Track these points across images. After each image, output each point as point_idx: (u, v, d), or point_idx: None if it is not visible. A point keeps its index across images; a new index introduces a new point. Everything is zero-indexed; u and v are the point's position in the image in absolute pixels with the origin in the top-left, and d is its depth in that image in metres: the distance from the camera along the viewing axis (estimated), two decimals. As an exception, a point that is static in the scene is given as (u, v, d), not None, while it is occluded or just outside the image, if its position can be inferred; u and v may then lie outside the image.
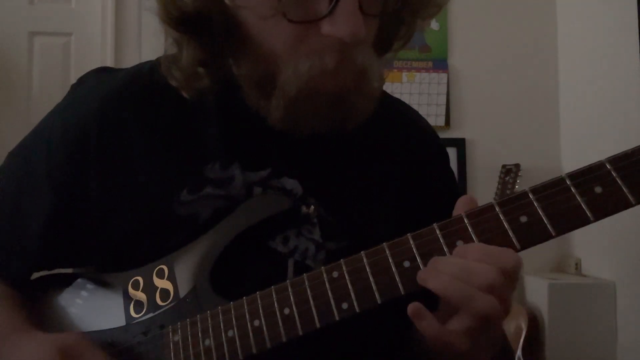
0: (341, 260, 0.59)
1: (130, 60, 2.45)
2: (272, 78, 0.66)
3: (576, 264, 2.57)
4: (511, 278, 0.55)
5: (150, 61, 0.77)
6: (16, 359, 0.65)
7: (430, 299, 0.56)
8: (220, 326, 0.63)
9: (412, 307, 0.55)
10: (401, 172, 0.78)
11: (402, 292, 0.57)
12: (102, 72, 0.80)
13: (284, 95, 0.65)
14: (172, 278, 0.68)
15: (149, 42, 2.49)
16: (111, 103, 0.73)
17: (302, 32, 0.63)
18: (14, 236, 0.74)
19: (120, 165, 0.71)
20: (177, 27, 0.66)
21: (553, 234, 0.54)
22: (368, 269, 0.58)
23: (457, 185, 0.90)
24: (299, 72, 0.64)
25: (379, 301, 0.57)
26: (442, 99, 2.67)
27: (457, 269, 0.54)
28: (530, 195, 0.54)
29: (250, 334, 0.61)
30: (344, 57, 0.64)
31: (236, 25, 0.66)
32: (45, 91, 2.54)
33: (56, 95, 0.79)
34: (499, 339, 0.65)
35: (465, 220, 0.56)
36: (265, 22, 0.64)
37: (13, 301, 0.73)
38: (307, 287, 0.60)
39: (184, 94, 0.70)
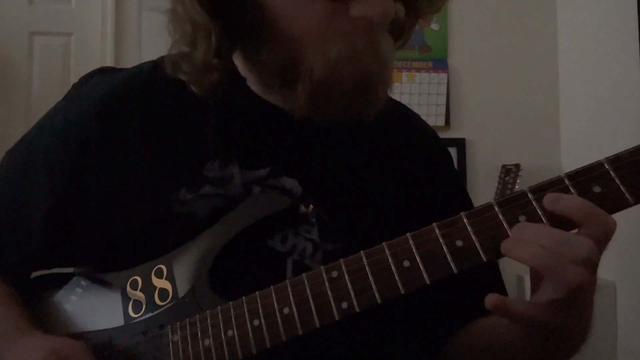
0: (341, 260, 0.59)
1: (130, 60, 2.45)
2: (296, 63, 0.65)
3: (576, 264, 2.56)
4: (604, 245, 0.52)
5: (152, 61, 0.77)
6: (15, 357, 0.65)
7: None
8: (219, 326, 0.63)
9: (491, 300, 0.52)
10: (403, 175, 0.77)
11: (402, 292, 0.56)
12: (103, 71, 0.80)
13: (311, 80, 0.65)
14: (170, 278, 0.68)
15: (149, 42, 2.49)
16: (112, 101, 0.73)
17: (332, 13, 0.63)
18: (15, 234, 0.74)
19: (120, 162, 0.71)
20: (211, 7, 0.65)
21: (552, 233, 0.53)
22: (368, 269, 0.57)
23: (464, 187, 0.88)
24: (327, 56, 0.64)
25: (378, 301, 0.57)
26: (442, 99, 2.67)
27: (548, 239, 0.51)
28: (529, 195, 0.54)
29: (250, 334, 0.61)
30: (371, 40, 0.64)
31: (262, 7, 0.66)
32: (45, 91, 2.53)
33: (56, 95, 0.79)
34: (590, 313, 0.59)
35: (465, 221, 0.55)
36: (295, 2, 0.64)
37: (13, 299, 0.73)
38: (306, 286, 0.60)
39: (194, 89, 0.70)
